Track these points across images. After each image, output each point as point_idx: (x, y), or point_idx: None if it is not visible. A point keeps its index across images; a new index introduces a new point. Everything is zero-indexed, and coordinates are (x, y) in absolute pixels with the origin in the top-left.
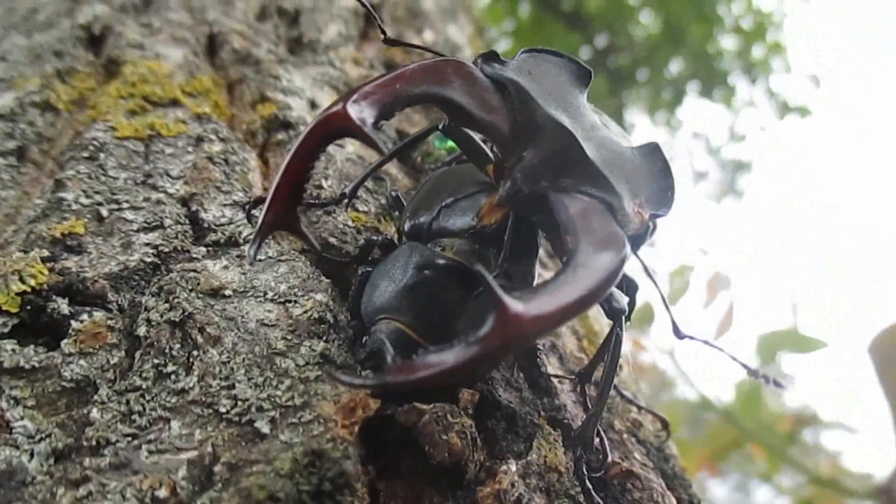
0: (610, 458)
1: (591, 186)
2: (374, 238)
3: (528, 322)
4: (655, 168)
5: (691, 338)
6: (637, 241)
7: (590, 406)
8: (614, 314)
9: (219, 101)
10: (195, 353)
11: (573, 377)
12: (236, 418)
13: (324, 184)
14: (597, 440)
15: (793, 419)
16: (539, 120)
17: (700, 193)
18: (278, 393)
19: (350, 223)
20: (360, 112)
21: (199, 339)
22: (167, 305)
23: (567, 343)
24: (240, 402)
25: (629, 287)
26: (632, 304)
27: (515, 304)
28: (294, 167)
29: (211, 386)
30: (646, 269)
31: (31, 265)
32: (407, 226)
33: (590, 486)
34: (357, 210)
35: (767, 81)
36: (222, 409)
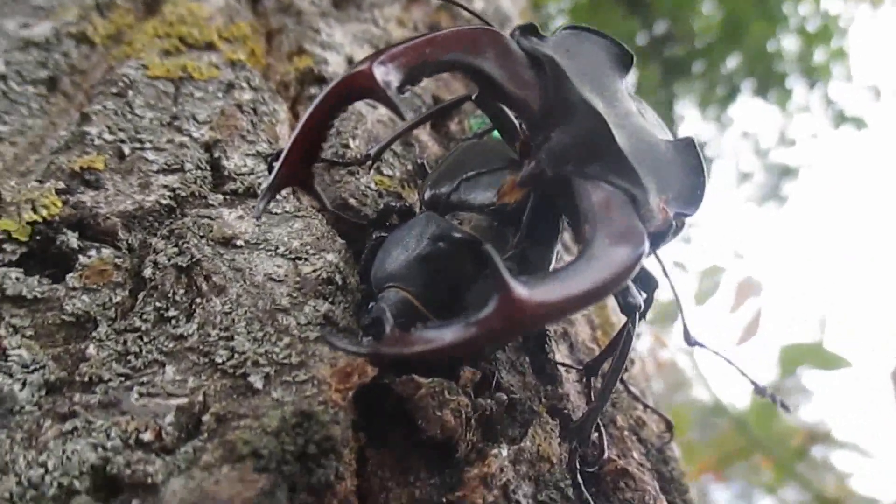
0: (606, 455)
1: (617, 176)
2: (394, 204)
3: (531, 308)
4: (688, 164)
5: (702, 345)
6: (658, 238)
7: (593, 399)
8: (628, 309)
9: (256, 49)
10: (198, 300)
11: (580, 368)
12: (231, 370)
13: (351, 143)
14: (595, 435)
15: (805, 434)
16: (571, 100)
17: (742, 195)
18: (276, 349)
19: (373, 186)
20: (386, 74)
21: (204, 287)
22: (176, 249)
23: (580, 332)
24: (236, 355)
25: (648, 283)
26: (649, 301)
27: (520, 289)
28: (312, 124)
29: (210, 335)
30: (663, 269)
31: (45, 195)
32: (427, 195)
33: (580, 481)
34: (381, 173)
35: (826, 88)
36: (218, 360)
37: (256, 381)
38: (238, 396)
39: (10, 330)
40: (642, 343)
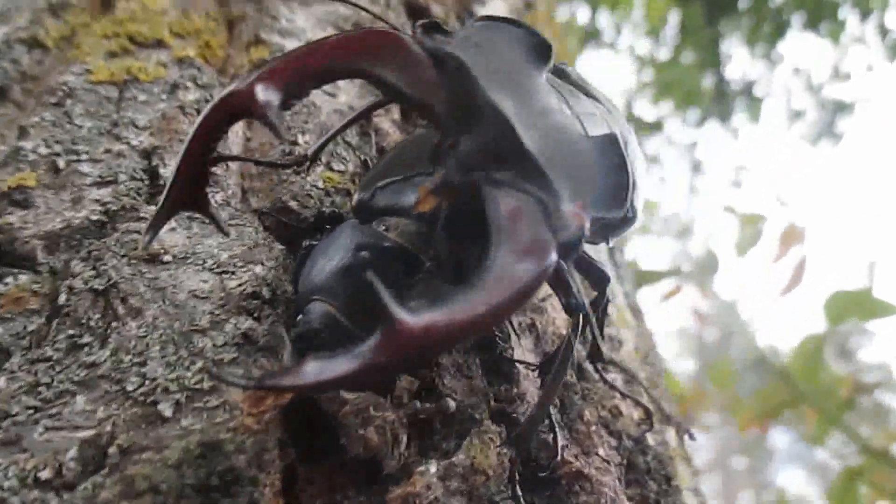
0: (559, 457)
1: (527, 182)
2: (325, 210)
3: (417, 337)
4: (610, 163)
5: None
6: (570, 247)
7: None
8: (572, 310)
9: (211, 41)
10: (114, 324)
11: (535, 367)
12: (142, 398)
13: (300, 139)
14: (549, 436)
15: (853, 384)
16: (477, 102)
17: (794, 134)
18: (188, 374)
19: (320, 185)
20: (265, 93)
21: (121, 311)
22: (93, 272)
23: (552, 320)
24: (147, 381)
25: (598, 279)
26: (600, 297)
27: (404, 317)
28: (193, 149)
29: (123, 361)
30: (576, 288)
31: None
32: (354, 199)
33: (519, 493)
34: (332, 169)
35: (881, 17)
36: (129, 388)
37: (166, 408)
38: (147, 426)
39: None
40: (681, 297)
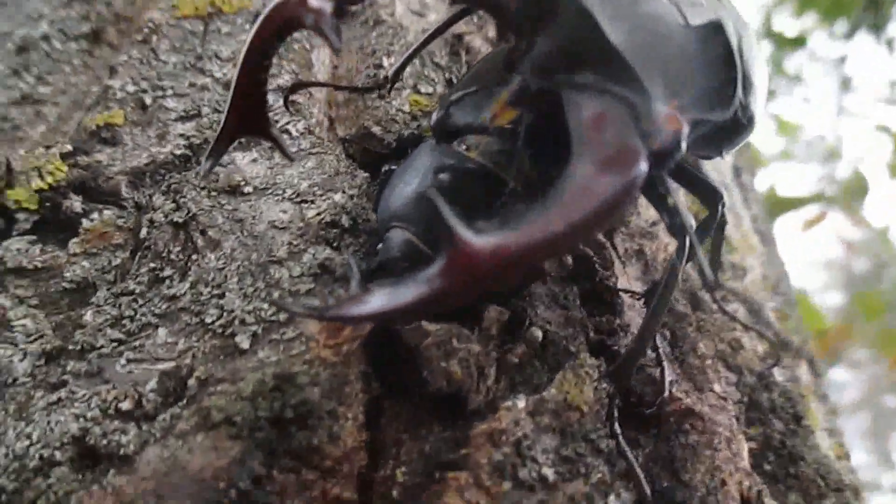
0: (667, 393)
1: (614, 82)
2: (405, 132)
3: (483, 260)
4: (713, 56)
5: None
6: (663, 156)
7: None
8: (675, 230)
9: None
10: (194, 256)
11: (640, 295)
12: (220, 330)
13: (384, 62)
14: (657, 371)
15: None
16: None
17: None
18: (265, 306)
19: (406, 108)
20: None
21: (200, 243)
22: (173, 205)
23: (664, 245)
24: (225, 313)
25: (709, 196)
26: (712, 217)
27: (468, 237)
28: (247, 70)
29: (202, 294)
30: (667, 193)
31: (50, 161)
32: (432, 119)
33: (618, 431)
34: (419, 92)
35: None
36: (208, 320)
37: (243, 340)
38: (224, 358)
39: (16, 300)
40: (828, 225)
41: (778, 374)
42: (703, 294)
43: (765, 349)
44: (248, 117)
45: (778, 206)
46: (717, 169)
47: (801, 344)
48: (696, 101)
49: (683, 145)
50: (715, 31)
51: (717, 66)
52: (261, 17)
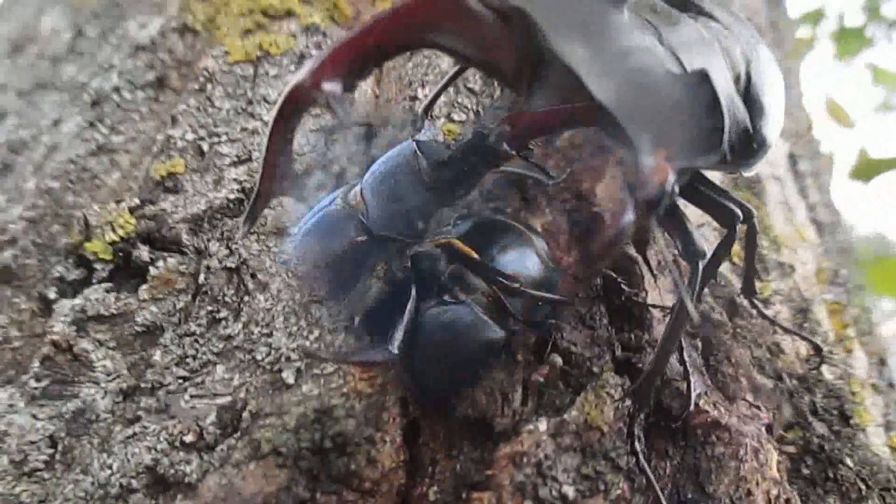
0: (693, 406)
1: (605, 135)
2: None
3: None
4: (700, 103)
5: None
6: (653, 204)
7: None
8: (688, 257)
9: (338, 1)
10: (245, 298)
11: (668, 312)
12: (269, 366)
13: (419, 93)
14: (684, 384)
15: None
16: (545, 56)
17: None
18: (307, 343)
19: (440, 137)
20: (328, 83)
21: (251, 285)
22: (227, 251)
23: None
24: (273, 351)
25: (728, 217)
26: (730, 238)
27: None
28: (273, 145)
29: (253, 333)
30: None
31: (121, 215)
32: None
33: (638, 448)
34: (452, 120)
35: None
36: (259, 357)
37: (289, 375)
38: (273, 392)
39: (96, 344)
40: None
41: (827, 372)
42: (741, 299)
43: (808, 351)
44: (279, 181)
45: (872, 168)
46: (770, 161)
47: (860, 334)
48: (685, 148)
49: (670, 192)
50: (701, 80)
51: (704, 113)
52: (280, 98)
